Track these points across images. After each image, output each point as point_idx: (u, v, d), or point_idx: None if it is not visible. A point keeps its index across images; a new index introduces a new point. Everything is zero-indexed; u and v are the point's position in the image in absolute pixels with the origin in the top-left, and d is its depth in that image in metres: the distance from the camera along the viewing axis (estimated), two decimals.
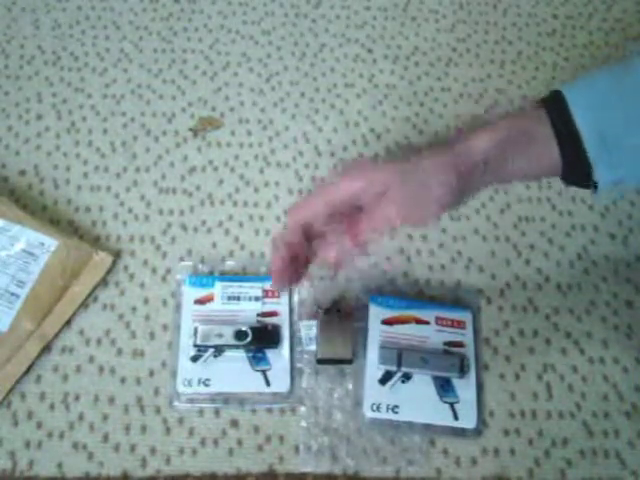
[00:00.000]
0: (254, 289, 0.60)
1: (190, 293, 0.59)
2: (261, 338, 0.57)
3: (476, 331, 0.60)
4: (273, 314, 0.59)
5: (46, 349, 0.57)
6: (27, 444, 0.54)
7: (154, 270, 0.62)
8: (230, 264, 0.62)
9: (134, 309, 0.60)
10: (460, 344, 0.58)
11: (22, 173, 0.67)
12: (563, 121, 0.43)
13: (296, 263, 0.46)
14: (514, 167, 0.44)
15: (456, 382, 0.56)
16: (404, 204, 0.44)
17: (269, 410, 0.56)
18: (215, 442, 0.55)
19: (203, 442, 0.54)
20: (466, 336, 0.59)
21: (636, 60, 0.44)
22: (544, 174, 0.46)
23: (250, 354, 0.57)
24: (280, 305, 0.59)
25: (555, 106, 0.44)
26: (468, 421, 0.55)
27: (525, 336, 0.61)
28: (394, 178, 0.44)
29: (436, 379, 0.56)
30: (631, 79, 0.43)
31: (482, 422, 0.56)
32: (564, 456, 0.55)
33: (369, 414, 0.55)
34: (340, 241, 0.47)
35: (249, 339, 0.56)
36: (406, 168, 0.45)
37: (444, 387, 0.56)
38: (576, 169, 0.44)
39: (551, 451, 0.56)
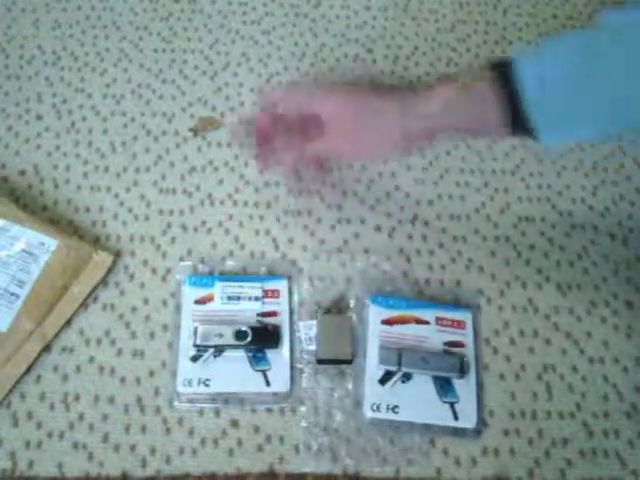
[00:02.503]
0: (254, 289, 0.60)
1: (190, 293, 0.59)
2: (261, 338, 0.57)
3: (476, 331, 0.60)
4: (273, 314, 0.59)
5: (46, 349, 0.57)
6: (27, 444, 0.54)
7: (154, 270, 0.62)
8: (230, 264, 0.62)
9: (134, 309, 0.60)
10: (460, 344, 0.58)
11: (22, 173, 0.67)
12: (505, 80, 0.46)
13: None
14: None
15: (456, 382, 0.56)
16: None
17: (269, 410, 0.56)
18: (215, 442, 0.55)
19: (203, 442, 0.54)
20: (466, 336, 0.59)
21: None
22: (487, 121, 0.48)
23: (250, 354, 0.57)
24: (280, 305, 0.59)
25: (501, 67, 0.47)
26: (468, 421, 0.55)
27: (525, 336, 0.61)
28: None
29: (436, 379, 0.56)
30: (570, 38, 0.46)
31: (482, 422, 0.56)
32: (564, 456, 0.55)
33: (369, 414, 0.55)
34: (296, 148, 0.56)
35: (249, 339, 0.56)
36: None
37: (444, 387, 0.56)
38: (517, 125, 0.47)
39: (551, 451, 0.56)
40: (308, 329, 0.58)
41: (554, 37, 0.47)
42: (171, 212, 0.65)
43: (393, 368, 0.56)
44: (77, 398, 0.56)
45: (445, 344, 0.58)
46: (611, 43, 0.43)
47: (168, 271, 0.62)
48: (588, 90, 0.44)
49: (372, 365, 0.57)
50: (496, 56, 0.46)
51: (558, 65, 0.45)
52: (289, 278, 0.61)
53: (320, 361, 0.57)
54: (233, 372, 0.56)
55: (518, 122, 0.46)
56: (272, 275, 0.61)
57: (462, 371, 0.56)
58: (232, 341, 0.56)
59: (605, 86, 0.44)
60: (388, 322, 0.59)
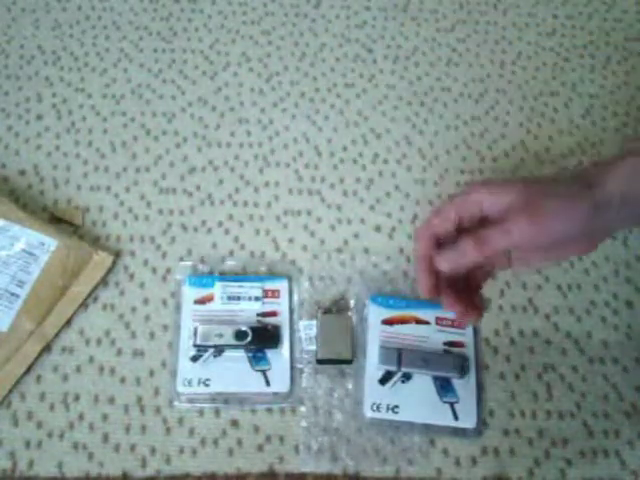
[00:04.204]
0: (254, 289, 0.60)
1: (190, 293, 0.59)
2: (261, 338, 0.57)
3: (476, 331, 0.60)
4: (273, 314, 0.59)
5: (46, 349, 0.57)
6: (27, 444, 0.54)
7: (154, 270, 0.62)
8: (230, 264, 0.62)
9: (134, 309, 0.60)
10: (460, 344, 0.58)
11: (22, 173, 0.67)
12: None
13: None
14: None
15: (456, 382, 0.56)
16: (525, 223, 0.42)
17: (269, 410, 0.56)
18: (215, 442, 0.55)
19: (203, 442, 0.54)
20: (466, 336, 0.59)
21: None
22: None
23: (250, 354, 0.57)
24: (280, 305, 0.59)
25: None
26: (468, 421, 0.55)
27: (525, 336, 0.61)
28: (519, 195, 0.43)
29: (436, 379, 0.56)
30: None
31: (482, 422, 0.56)
32: (564, 456, 0.55)
33: (369, 414, 0.55)
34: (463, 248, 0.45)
35: (249, 339, 0.56)
36: (535, 189, 0.43)
37: (444, 387, 0.56)
38: None
39: (551, 451, 0.56)
40: (308, 329, 0.58)
41: None
42: (171, 212, 0.65)
43: (393, 368, 0.56)
44: (77, 398, 0.56)
45: (445, 344, 0.58)
46: None
47: (168, 271, 0.62)
48: None
49: (372, 365, 0.57)
50: None
51: None
52: (289, 278, 0.61)
53: (320, 361, 0.57)
54: (233, 372, 0.56)
55: None
56: (272, 275, 0.61)
57: (462, 371, 0.56)
58: (232, 341, 0.56)
59: None
60: (388, 322, 0.59)
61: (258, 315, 0.59)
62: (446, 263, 0.44)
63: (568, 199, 0.42)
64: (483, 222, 0.45)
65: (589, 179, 0.43)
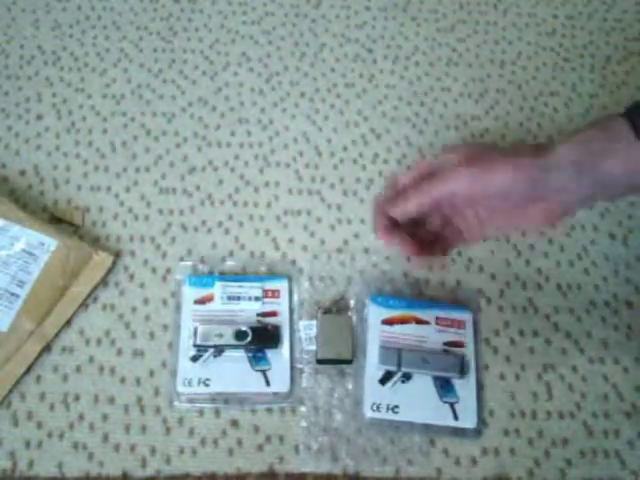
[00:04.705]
0: (254, 289, 0.60)
1: (190, 293, 0.59)
2: (261, 338, 0.57)
3: (476, 331, 0.60)
4: (273, 314, 0.59)
5: (46, 349, 0.57)
6: (27, 444, 0.54)
7: (154, 270, 0.62)
8: (230, 264, 0.62)
9: (134, 309, 0.60)
10: (460, 344, 0.58)
11: (22, 173, 0.67)
12: None
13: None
14: (606, 167, 0.43)
15: (456, 382, 0.56)
16: (460, 171, 0.45)
17: (269, 410, 0.56)
18: (215, 442, 0.55)
19: (203, 442, 0.54)
20: (466, 336, 0.59)
21: None
22: None
23: (250, 354, 0.57)
24: (280, 305, 0.59)
25: (636, 111, 0.43)
26: (468, 421, 0.55)
27: (525, 336, 0.61)
28: (464, 151, 0.47)
29: (436, 379, 0.56)
30: None
31: (482, 422, 0.56)
32: (564, 456, 0.55)
33: (369, 414, 0.55)
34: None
35: (249, 339, 0.56)
36: (480, 146, 0.48)
37: (444, 387, 0.56)
38: None
39: (551, 451, 0.56)
40: (308, 329, 0.58)
41: None
42: (171, 212, 0.65)
43: (393, 368, 0.56)
44: (77, 398, 0.56)
45: (445, 344, 0.58)
46: None
47: (168, 271, 0.62)
48: None
49: (372, 365, 0.57)
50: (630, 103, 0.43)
51: None
52: (289, 278, 0.61)
53: (320, 361, 0.57)
54: (233, 372, 0.56)
55: None
56: (272, 275, 0.61)
57: (462, 371, 0.56)
58: (232, 341, 0.56)
59: None
60: (388, 322, 0.59)
61: (258, 315, 0.59)
62: (395, 208, 0.48)
63: (511, 156, 0.45)
64: None
65: (543, 145, 0.46)
